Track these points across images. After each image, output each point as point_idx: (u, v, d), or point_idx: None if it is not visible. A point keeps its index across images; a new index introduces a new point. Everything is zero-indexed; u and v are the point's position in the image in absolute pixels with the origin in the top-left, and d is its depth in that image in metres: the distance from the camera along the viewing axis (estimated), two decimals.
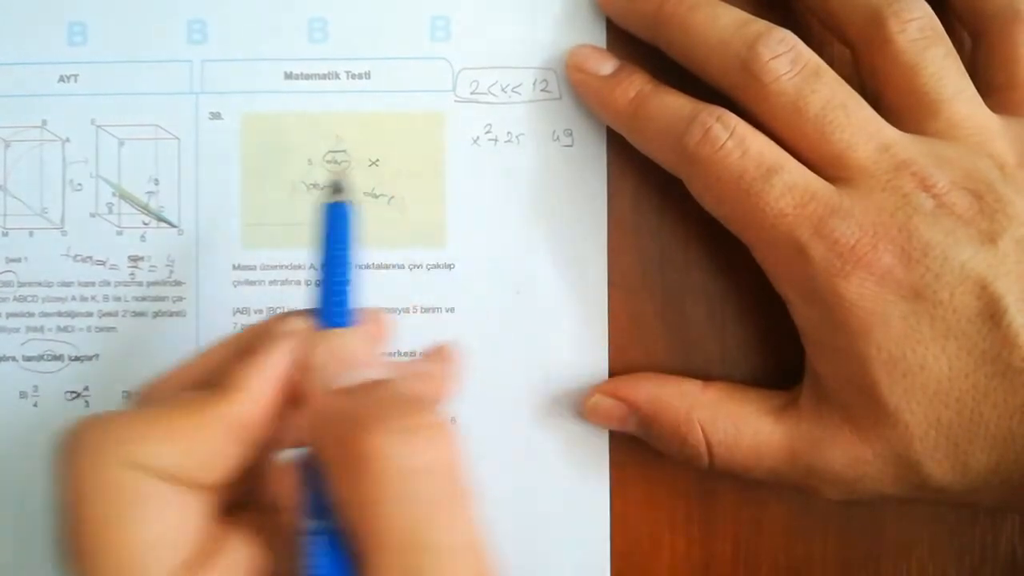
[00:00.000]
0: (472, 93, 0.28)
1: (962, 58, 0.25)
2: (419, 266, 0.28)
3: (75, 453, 0.18)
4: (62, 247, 0.28)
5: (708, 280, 0.28)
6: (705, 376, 0.27)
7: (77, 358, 0.28)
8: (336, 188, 0.22)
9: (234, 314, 0.28)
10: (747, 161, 0.23)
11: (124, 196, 0.28)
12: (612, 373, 0.28)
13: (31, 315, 0.28)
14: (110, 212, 0.28)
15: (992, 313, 0.22)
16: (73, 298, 0.28)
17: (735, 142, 0.24)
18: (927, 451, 0.23)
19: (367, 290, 0.27)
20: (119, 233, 0.28)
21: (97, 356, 0.28)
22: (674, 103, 0.25)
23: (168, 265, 0.28)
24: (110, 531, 0.17)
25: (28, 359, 0.28)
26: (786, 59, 0.24)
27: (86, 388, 0.28)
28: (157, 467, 0.18)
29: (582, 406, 0.27)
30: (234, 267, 0.28)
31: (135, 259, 0.28)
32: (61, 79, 0.28)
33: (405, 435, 0.17)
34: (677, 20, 0.25)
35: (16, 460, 0.27)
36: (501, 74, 0.28)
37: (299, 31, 0.28)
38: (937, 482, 0.23)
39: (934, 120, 0.24)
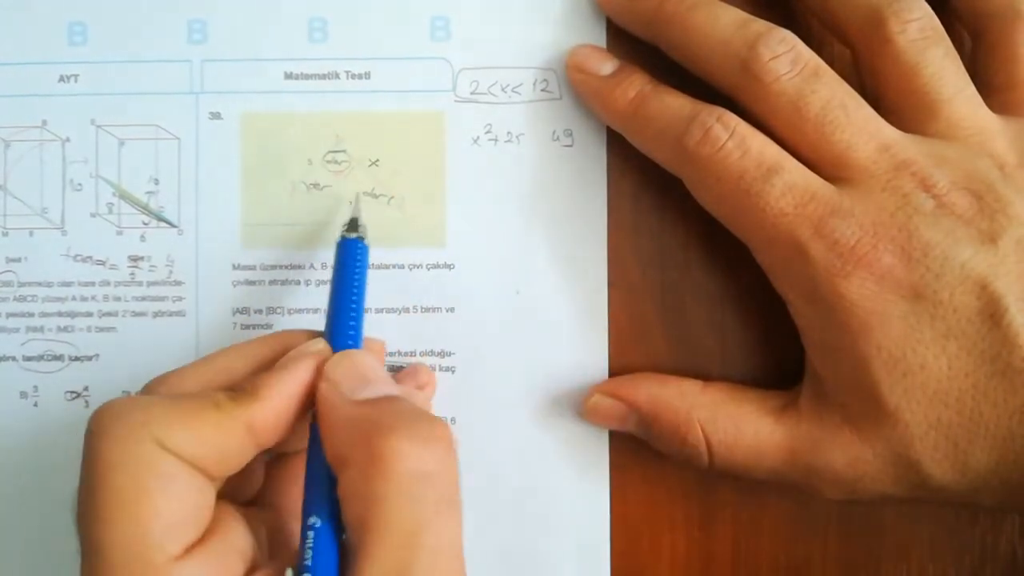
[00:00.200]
0: (472, 93, 0.28)
1: (962, 58, 0.25)
2: (419, 266, 0.28)
3: (107, 427, 0.19)
4: (62, 247, 0.28)
5: (708, 280, 0.28)
6: (705, 376, 0.27)
7: (77, 358, 0.28)
8: (352, 226, 0.26)
9: (234, 314, 0.28)
10: (747, 161, 0.23)
11: (124, 196, 0.28)
12: (612, 373, 0.28)
13: (31, 315, 0.28)
14: (110, 212, 0.28)
15: (992, 313, 0.22)
16: (73, 298, 0.28)
17: (735, 142, 0.24)
18: (927, 451, 0.23)
19: (368, 290, 0.27)
20: (119, 233, 0.28)
21: (97, 356, 0.28)
22: (674, 103, 0.25)
23: (168, 265, 0.28)
24: (133, 501, 0.19)
25: (28, 359, 0.28)
26: (786, 59, 0.24)
27: (86, 388, 0.28)
28: (180, 453, 0.19)
29: (582, 406, 0.27)
30: (234, 267, 0.28)
31: (135, 259, 0.28)
32: (61, 79, 0.28)
33: (420, 442, 0.19)
34: (677, 20, 0.25)
35: (16, 460, 0.27)
36: (501, 74, 0.28)
37: (299, 31, 0.28)
38: (937, 482, 0.23)
39: (934, 120, 0.24)
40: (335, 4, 0.28)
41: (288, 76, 0.28)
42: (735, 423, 0.25)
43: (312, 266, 0.28)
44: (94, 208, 0.28)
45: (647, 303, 0.28)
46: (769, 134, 0.24)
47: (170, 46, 0.28)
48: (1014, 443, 0.22)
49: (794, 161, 0.24)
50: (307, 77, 0.28)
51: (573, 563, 0.28)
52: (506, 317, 0.28)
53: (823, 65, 0.24)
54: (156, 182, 0.28)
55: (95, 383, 0.28)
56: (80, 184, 0.28)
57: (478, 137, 0.28)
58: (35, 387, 0.28)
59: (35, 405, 0.28)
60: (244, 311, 0.28)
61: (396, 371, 0.27)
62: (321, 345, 0.23)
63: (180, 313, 0.28)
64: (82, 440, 0.20)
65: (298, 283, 0.28)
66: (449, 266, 0.28)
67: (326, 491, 0.20)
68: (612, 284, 0.28)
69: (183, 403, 0.20)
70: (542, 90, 0.28)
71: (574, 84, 0.27)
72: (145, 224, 0.28)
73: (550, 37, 0.28)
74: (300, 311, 0.28)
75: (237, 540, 0.20)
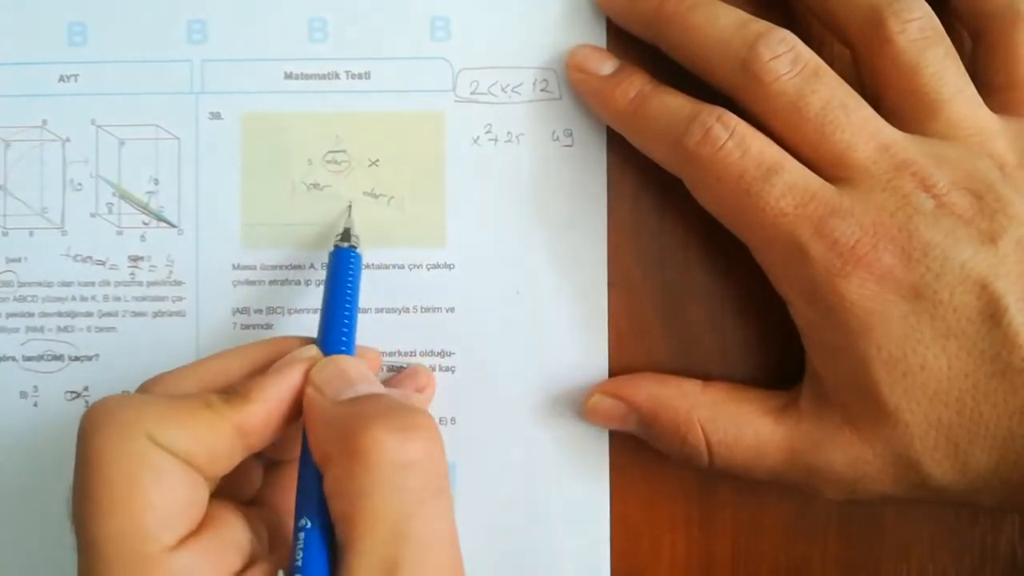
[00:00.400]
0: (472, 93, 0.28)
1: (962, 58, 0.25)
2: (419, 266, 0.28)
3: (100, 424, 0.20)
4: (62, 247, 0.28)
5: (708, 280, 0.28)
6: (705, 376, 0.27)
7: (77, 358, 0.28)
8: (345, 236, 0.26)
9: (234, 314, 0.28)
10: (747, 161, 0.23)
11: (124, 196, 0.28)
12: (612, 373, 0.28)
13: (31, 315, 0.28)
14: (110, 212, 0.28)
15: (992, 313, 0.22)
16: (73, 298, 0.28)
17: (735, 142, 0.24)
18: (927, 451, 0.23)
19: (368, 290, 0.27)
20: (119, 233, 0.28)
21: (97, 356, 0.28)
22: (674, 103, 0.25)
23: (168, 265, 0.28)
24: (127, 495, 0.19)
25: (28, 359, 0.28)
26: (786, 59, 0.24)
27: (86, 388, 0.28)
28: (171, 448, 0.20)
29: (582, 406, 0.27)
30: (234, 267, 0.28)
31: (135, 259, 0.28)
32: (61, 79, 0.28)
33: (400, 432, 0.19)
34: (677, 20, 0.25)
35: (16, 460, 0.27)
36: (501, 74, 0.28)
37: (299, 31, 0.28)
38: (937, 482, 0.23)
39: (934, 120, 0.24)
40: (335, 4, 0.28)
41: (288, 76, 0.28)
42: (735, 423, 0.25)
43: (312, 266, 0.28)
44: (94, 208, 0.28)
45: (647, 303, 0.28)
46: (769, 134, 0.24)
47: (170, 46, 0.28)
48: (1014, 443, 0.22)
49: (794, 161, 0.24)
50: (307, 77, 0.28)
51: (573, 563, 0.28)
52: (506, 317, 0.28)
53: (823, 65, 0.24)
54: (156, 182, 0.28)
55: (95, 383, 0.28)
56: (80, 184, 0.28)
57: (478, 137, 0.28)
58: (35, 387, 0.28)
59: (35, 405, 0.28)
60: (244, 311, 0.28)
61: (395, 372, 0.27)
62: (313, 351, 0.23)
63: (180, 313, 0.28)
64: None
65: (298, 283, 0.28)
66: (449, 266, 0.28)
67: (316, 493, 0.20)
68: (612, 284, 0.28)
69: (176, 402, 0.21)
70: (542, 90, 0.28)
71: (574, 84, 0.27)
72: (145, 224, 0.28)
73: (550, 37, 0.28)
74: (300, 311, 0.28)
75: (233, 534, 0.21)
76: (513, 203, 0.28)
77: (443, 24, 0.28)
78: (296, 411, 0.22)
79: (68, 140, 0.28)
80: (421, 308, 0.28)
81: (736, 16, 0.24)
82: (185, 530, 0.20)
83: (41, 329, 0.28)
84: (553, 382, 0.28)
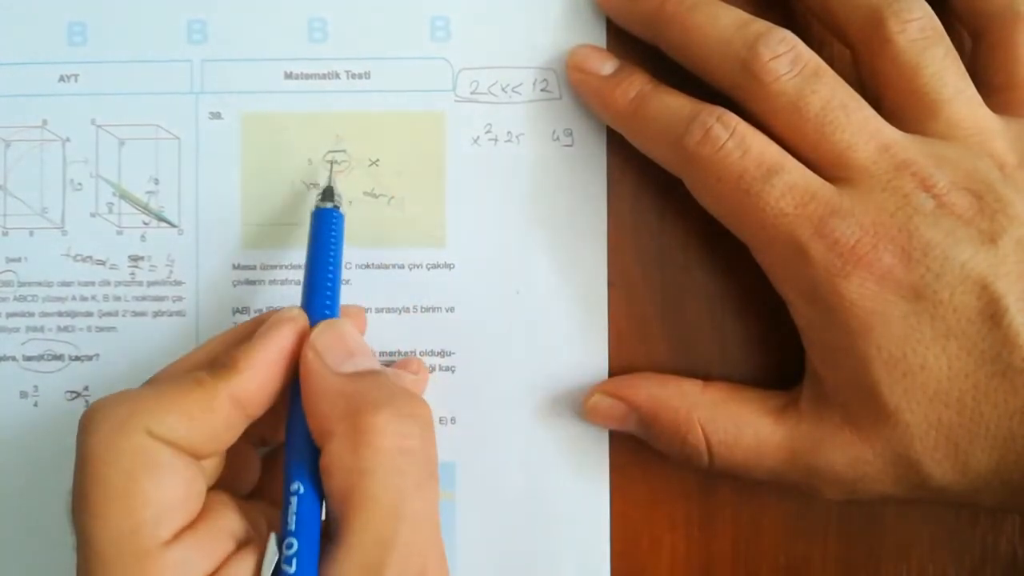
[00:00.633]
0: (472, 93, 0.28)
1: (962, 58, 0.25)
2: (419, 266, 0.28)
3: (96, 423, 0.20)
4: (62, 247, 0.28)
5: (708, 280, 0.28)
6: (705, 376, 0.27)
7: (77, 358, 0.28)
8: (326, 195, 0.26)
9: (234, 314, 0.28)
10: (747, 161, 0.23)
11: (124, 196, 0.28)
12: (612, 373, 0.28)
13: (31, 315, 0.28)
14: (110, 212, 0.28)
15: (992, 313, 0.22)
16: (73, 298, 0.28)
17: (735, 142, 0.24)
18: (927, 451, 0.23)
19: (368, 290, 0.27)
20: (119, 233, 0.28)
21: (97, 356, 0.28)
22: (674, 103, 0.25)
23: (168, 265, 0.28)
24: (124, 494, 0.19)
25: (28, 359, 0.28)
26: (786, 59, 0.24)
27: (86, 388, 0.28)
28: (170, 438, 0.20)
29: (582, 406, 0.27)
30: (234, 267, 0.28)
31: (135, 259, 0.28)
32: (61, 79, 0.28)
33: (406, 419, 0.20)
34: (677, 20, 0.25)
35: (16, 459, 0.27)
36: (501, 74, 0.28)
37: (299, 31, 0.28)
38: (937, 482, 0.23)
39: (934, 120, 0.24)
40: (335, 4, 0.28)
41: (288, 76, 0.28)
42: (735, 423, 0.25)
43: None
44: (94, 208, 0.28)
45: (647, 303, 0.28)
46: (769, 134, 0.24)
47: (170, 46, 0.28)
48: (1015, 443, 0.22)
49: (794, 161, 0.24)
50: (307, 77, 0.28)
51: (573, 563, 0.28)
52: (506, 317, 0.28)
53: (823, 65, 0.24)
54: (156, 182, 0.28)
55: (95, 383, 0.28)
56: (80, 184, 0.28)
57: (478, 137, 0.28)
58: (35, 387, 0.28)
59: (35, 405, 0.28)
60: (244, 311, 0.28)
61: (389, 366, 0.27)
62: (295, 312, 0.23)
63: (180, 313, 0.28)
64: None
65: (298, 283, 0.28)
66: (449, 266, 0.28)
67: (308, 458, 0.21)
68: (612, 284, 0.28)
69: (166, 388, 0.21)
70: (542, 90, 0.28)
71: (574, 84, 0.27)
72: (145, 224, 0.28)
73: (550, 37, 0.28)
74: None
75: (228, 524, 0.21)
76: (513, 203, 0.28)
77: (443, 24, 0.28)
78: (289, 373, 0.22)
79: (68, 140, 0.28)
80: (421, 308, 0.28)
81: (736, 16, 0.24)
82: (181, 523, 0.20)
83: (41, 329, 0.28)
84: (553, 382, 0.28)
